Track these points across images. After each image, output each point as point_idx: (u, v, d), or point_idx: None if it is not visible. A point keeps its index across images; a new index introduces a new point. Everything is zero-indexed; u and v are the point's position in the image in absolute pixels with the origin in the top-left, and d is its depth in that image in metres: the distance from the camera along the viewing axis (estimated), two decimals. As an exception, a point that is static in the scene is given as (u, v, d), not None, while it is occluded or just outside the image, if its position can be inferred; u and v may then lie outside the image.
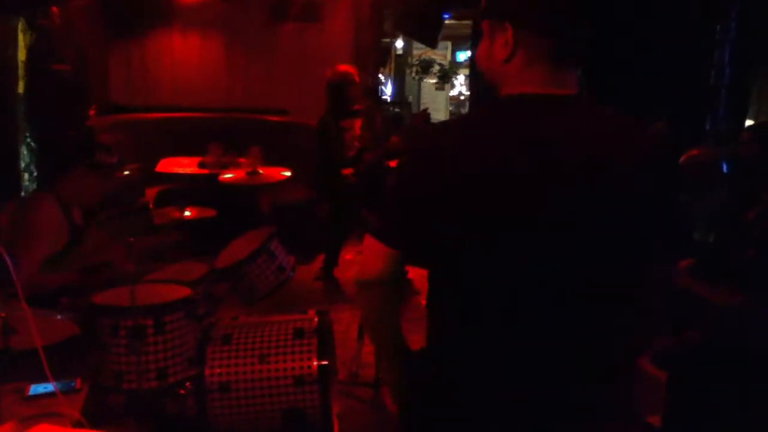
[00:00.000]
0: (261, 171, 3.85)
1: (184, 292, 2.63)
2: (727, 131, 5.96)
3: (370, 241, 1.38)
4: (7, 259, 1.67)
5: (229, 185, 4.20)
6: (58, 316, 2.30)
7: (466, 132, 1.33)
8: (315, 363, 2.62)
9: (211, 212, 3.59)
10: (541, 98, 1.31)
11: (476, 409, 1.35)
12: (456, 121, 1.43)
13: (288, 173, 4.13)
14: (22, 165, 4.99)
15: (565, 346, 1.31)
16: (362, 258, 1.41)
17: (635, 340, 1.47)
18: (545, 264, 1.27)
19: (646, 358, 3.88)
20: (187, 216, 3.53)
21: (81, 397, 2.00)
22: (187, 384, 2.63)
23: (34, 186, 5.06)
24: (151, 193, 5.26)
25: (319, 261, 5.34)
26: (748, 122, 6.81)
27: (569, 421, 1.34)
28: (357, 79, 4.77)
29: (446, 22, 8.81)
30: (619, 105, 1.42)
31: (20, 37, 4.67)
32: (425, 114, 4.93)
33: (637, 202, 1.29)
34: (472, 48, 9.41)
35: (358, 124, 4.76)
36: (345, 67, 4.84)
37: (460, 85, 17.18)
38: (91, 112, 6.24)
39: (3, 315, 1.87)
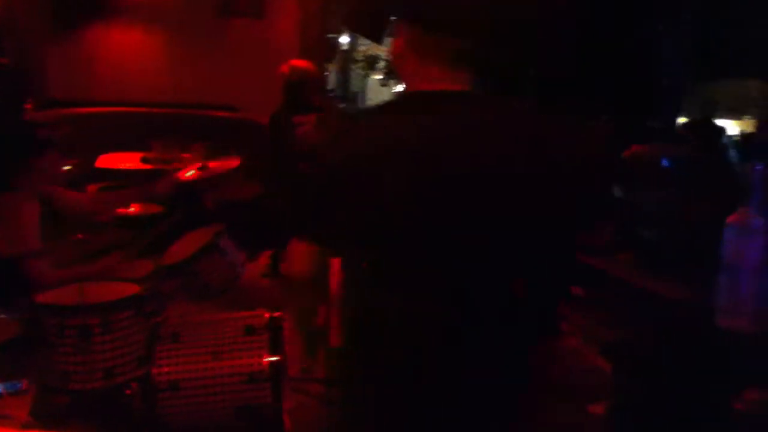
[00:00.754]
0: (211, 166, 3.79)
1: (132, 289, 2.58)
2: (663, 128, 6.19)
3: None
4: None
5: (176, 180, 4.13)
6: (2, 315, 2.23)
7: (366, 129, 1.38)
8: (266, 359, 2.61)
9: (157, 208, 3.52)
10: (435, 95, 1.34)
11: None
12: (360, 118, 1.46)
13: (236, 164, 4.07)
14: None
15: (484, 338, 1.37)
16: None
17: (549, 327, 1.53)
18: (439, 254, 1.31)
19: (593, 349, 4.00)
20: (131, 212, 3.46)
21: (28, 399, 1.94)
22: (133, 384, 2.59)
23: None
24: (91, 189, 5.12)
25: (266, 258, 5.29)
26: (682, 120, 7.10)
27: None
28: (316, 75, 4.74)
29: (392, 18, 8.83)
30: (562, 104, 1.46)
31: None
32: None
33: (531, 191, 1.31)
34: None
35: (312, 120, 4.74)
36: (303, 63, 4.80)
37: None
38: (27, 106, 6.03)
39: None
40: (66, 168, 3.84)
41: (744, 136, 8.42)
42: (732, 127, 9.20)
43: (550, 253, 1.42)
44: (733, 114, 10.31)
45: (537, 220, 1.35)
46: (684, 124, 4.33)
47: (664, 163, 3.51)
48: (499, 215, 1.32)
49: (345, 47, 14.77)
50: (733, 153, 3.56)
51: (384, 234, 1.33)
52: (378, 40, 9.24)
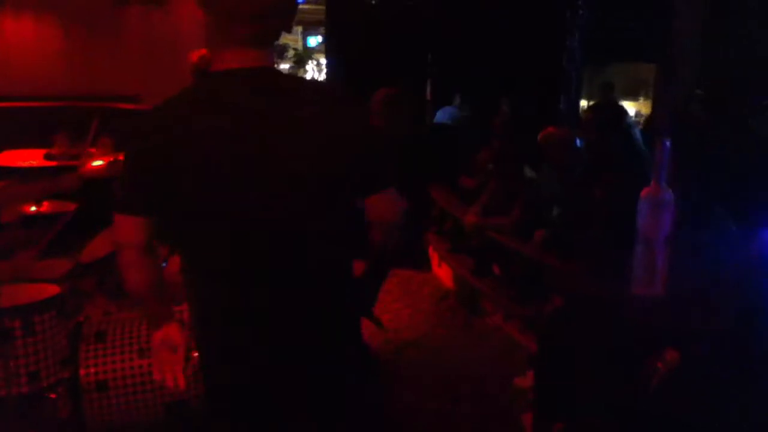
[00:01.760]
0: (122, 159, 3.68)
1: (53, 290, 2.49)
2: (567, 111, 6.45)
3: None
4: None
5: (82, 176, 3.98)
6: None
7: (171, 110, 1.47)
8: (195, 353, 2.57)
9: (70, 206, 3.39)
10: (230, 72, 1.45)
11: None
12: (168, 101, 1.52)
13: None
14: None
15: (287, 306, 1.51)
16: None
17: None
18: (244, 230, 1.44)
19: (512, 325, 4.16)
20: (39, 211, 3.31)
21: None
22: (59, 387, 2.51)
23: None
24: (-7, 188, 4.86)
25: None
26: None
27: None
28: None
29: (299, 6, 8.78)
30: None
31: None
32: None
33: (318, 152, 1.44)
34: (326, 32, 9.44)
35: None
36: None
37: (312, 71, 17.16)
38: None
39: None
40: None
41: (646, 117, 8.91)
42: (629, 108, 9.71)
43: (329, 221, 1.52)
44: (628, 96, 10.85)
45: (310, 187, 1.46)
46: (590, 106, 4.55)
47: (576, 143, 3.67)
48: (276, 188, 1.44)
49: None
50: (636, 132, 3.76)
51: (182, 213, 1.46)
52: (287, 29, 9.18)
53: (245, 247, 1.46)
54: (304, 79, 1.51)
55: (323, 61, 15.26)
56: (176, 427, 2.60)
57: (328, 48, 9.50)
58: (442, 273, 5.34)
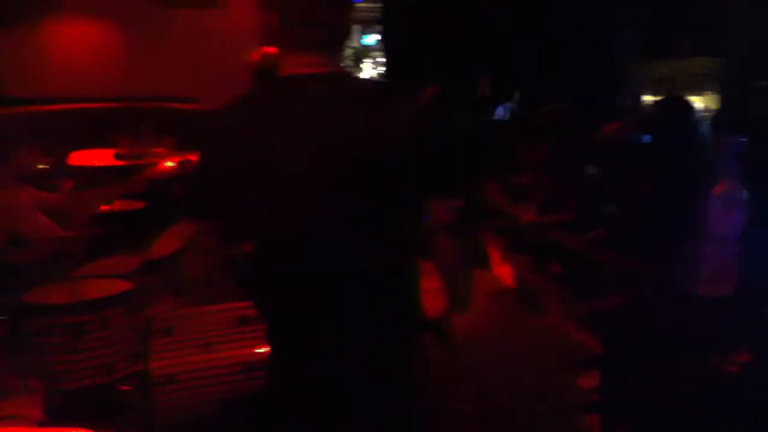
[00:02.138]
0: (191, 159, 3.78)
1: (124, 286, 2.58)
2: (627, 106, 6.31)
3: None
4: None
5: (150, 176, 4.10)
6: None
7: (237, 114, 1.50)
8: (262, 349, 2.63)
9: (139, 204, 3.51)
10: (297, 78, 1.48)
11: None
12: (233, 104, 1.55)
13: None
14: None
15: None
16: None
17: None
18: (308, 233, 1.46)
19: (573, 323, 4.11)
20: (113, 208, 3.44)
21: (39, 398, 1.95)
22: (130, 380, 2.59)
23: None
24: (67, 187, 5.05)
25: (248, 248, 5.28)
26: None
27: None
28: None
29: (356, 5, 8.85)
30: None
31: None
32: None
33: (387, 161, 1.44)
34: (384, 30, 9.47)
35: None
36: (272, 49, 4.76)
37: (368, 69, 17.22)
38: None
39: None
40: (41, 166, 3.80)
41: (713, 112, 8.65)
42: (696, 103, 9.43)
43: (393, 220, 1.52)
44: (693, 91, 10.54)
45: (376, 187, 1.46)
46: (656, 102, 4.44)
47: (645, 139, 3.59)
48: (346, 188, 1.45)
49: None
50: (703, 127, 3.66)
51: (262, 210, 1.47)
52: (349, 32, 9.22)
53: (311, 249, 1.48)
54: (374, 83, 1.52)
55: (380, 59, 15.34)
56: (240, 421, 2.67)
57: (384, 46, 9.54)
58: (502, 271, 5.31)
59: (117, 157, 4.98)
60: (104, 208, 3.40)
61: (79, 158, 5.05)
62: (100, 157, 5.04)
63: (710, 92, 10.87)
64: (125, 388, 2.56)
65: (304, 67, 1.47)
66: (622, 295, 2.93)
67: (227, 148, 1.45)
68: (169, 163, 3.98)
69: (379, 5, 9.42)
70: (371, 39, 16.23)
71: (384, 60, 10.20)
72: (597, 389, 2.89)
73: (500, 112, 7.55)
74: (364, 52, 16.45)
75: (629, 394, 2.26)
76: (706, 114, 8.83)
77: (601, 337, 2.80)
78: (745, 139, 1.71)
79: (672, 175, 3.13)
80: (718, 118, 6.31)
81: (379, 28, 14.59)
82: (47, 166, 3.94)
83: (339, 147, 1.42)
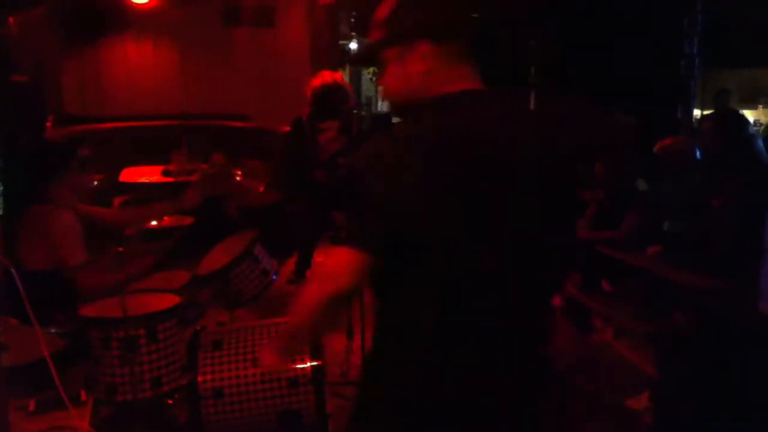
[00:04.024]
0: (239, 175, 3.83)
1: (174, 300, 2.61)
2: (683, 120, 6.16)
3: (345, 253, 1.37)
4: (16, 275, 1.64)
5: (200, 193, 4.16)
6: (52, 330, 2.26)
7: (426, 131, 1.37)
8: (308, 364, 2.63)
9: (187, 220, 3.56)
10: (477, 92, 1.43)
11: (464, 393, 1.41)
12: (407, 127, 1.43)
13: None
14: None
15: (525, 325, 1.43)
16: (332, 270, 1.41)
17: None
18: (514, 249, 1.36)
19: (623, 343, 4.01)
20: (159, 225, 3.50)
21: (87, 410, 1.98)
22: (176, 394, 2.62)
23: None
24: (117, 203, 5.19)
25: (291, 264, 5.32)
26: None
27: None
28: (345, 85, 4.74)
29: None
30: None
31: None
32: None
33: (574, 178, 1.43)
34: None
35: (335, 126, 4.78)
36: (331, 74, 4.80)
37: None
38: (48, 123, 6.10)
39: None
40: (95, 183, 3.89)
41: (766, 126, 8.40)
42: (748, 116, 9.19)
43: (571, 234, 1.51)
44: (747, 104, 10.26)
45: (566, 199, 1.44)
46: (709, 115, 4.32)
47: (696, 154, 3.50)
48: (542, 199, 1.39)
49: (355, 53, 14.79)
50: (758, 142, 3.54)
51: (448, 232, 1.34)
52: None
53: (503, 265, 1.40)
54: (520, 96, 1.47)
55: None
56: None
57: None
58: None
59: (165, 173, 5.09)
60: (152, 223, 3.46)
61: (129, 175, 5.18)
62: (149, 174, 5.17)
63: (765, 105, 10.58)
64: (170, 401, 2.59)
65: (463, 84, 1.43)
66: (683, 314, 2.85)
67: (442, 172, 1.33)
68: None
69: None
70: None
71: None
72: (649, 411, 2.81)
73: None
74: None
75: (684, 420, 2.19)
76: (757, 128, 8.60)
77: (657, 359, 2.72)
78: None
79: (733, 191, 3.04)
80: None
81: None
82: (99, 182, 4.03)
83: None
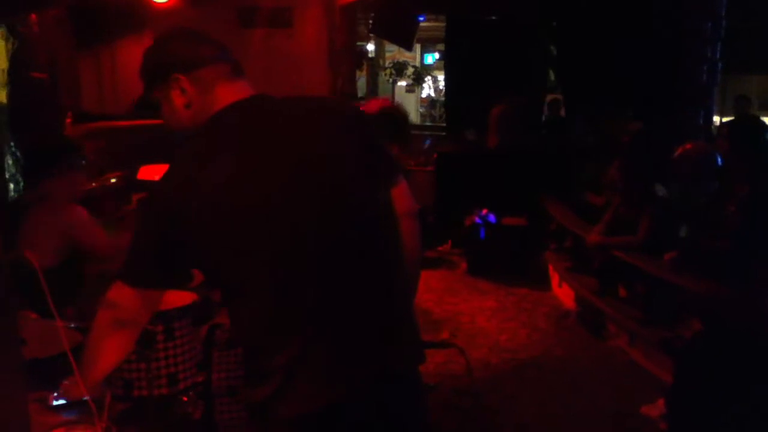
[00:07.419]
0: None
1: (191, 297, 2.62)
2: (702, 126, 6.11)
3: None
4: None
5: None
6: (72, 325, 2.28)
7: (197, 158, 1.50)
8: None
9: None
10: (248, 100, 1.58)
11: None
12: (182, 154, 1.56)
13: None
14: (8, 175, 4.90)
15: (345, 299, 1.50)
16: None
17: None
18: (306, 233, 1.46)
19: (638, 349, 3.98)
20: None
21: (105, 405, 1.99)
22: (191, 392, 2.63)
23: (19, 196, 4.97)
24: (135, 200, 5.22)
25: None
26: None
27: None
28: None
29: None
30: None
31: (1, 44, 4.58)
32: None
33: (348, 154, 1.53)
34: (446, 49, 9.50)
35: None
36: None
37: (428, 88, 17.30)
38: (68, 120, 6.15)
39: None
40: (112, 180, 3.93)
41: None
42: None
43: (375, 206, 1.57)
44: (766, 110, 10.17)
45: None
46: (729, 123, 4.28)
47: (717, 160, 3.47)
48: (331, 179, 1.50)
49: (371, 55, 14.85)
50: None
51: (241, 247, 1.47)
52: (408, 46, 9.33)
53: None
54: (289, 98, 1.60)
55: (440, 77, 15.39)
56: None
57: (446, 64, 9.55)
58: (562, 293, 5.20)
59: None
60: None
61: (147, 173, 5.20)
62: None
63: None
64: (185, 399, 2.60)
65: (234, 96, 1.58)
66: (701, 321, 2.83)
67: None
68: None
69: (441, 24, 9.46)
70: (431, 58, 16.32)
71: (444, 78, 10.23)
72: (664, 419, 2.79)
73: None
74: (425, 70, 16.53)
75: (699, 428, 2.17)
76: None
77: (674, 365, 2.69)
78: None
79: (752, 197, 3.01)
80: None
81: (439, 46, 14.67)
82: (118, 180, 4.07)
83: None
